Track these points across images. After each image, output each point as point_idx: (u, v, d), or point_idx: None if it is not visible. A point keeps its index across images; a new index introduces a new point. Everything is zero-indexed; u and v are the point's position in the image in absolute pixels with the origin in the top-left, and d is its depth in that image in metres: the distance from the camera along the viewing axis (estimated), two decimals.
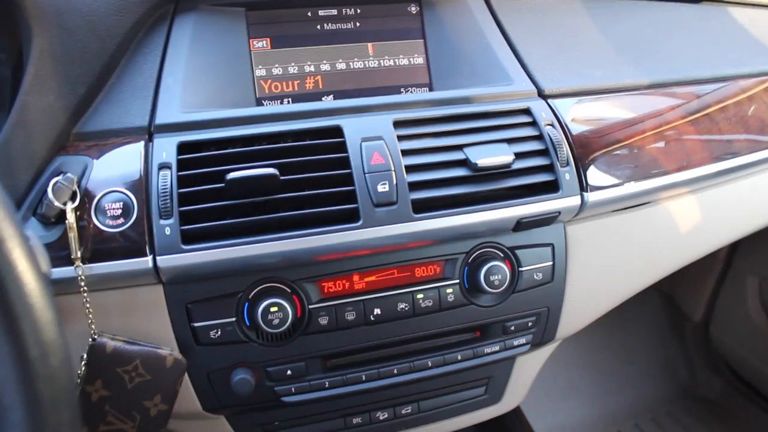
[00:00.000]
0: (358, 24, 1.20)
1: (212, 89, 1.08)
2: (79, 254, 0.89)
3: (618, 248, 1.22)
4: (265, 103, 1.14)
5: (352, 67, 1.19)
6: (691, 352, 2.19)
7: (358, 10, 1.20)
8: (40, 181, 0.92)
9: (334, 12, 1.19)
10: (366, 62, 1.19)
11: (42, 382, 0.51)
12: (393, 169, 0.98)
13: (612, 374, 2.15)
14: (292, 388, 1.06)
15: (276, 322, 0.97)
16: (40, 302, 0.52)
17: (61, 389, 0.52)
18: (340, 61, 1.18)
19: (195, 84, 1.06)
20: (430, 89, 1.22)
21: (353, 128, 1.01)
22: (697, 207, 1.29)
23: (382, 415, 1.22)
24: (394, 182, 0.98)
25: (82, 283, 0.90)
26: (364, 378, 1.09)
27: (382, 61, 1.20)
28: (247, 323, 1.00)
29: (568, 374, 2.12)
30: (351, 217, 0.97)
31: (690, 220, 1.29)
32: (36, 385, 0.51)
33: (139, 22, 1.05)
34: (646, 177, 1.15)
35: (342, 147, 0.99)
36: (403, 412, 1.23)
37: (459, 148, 1.04)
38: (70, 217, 0.89)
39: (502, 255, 1.10)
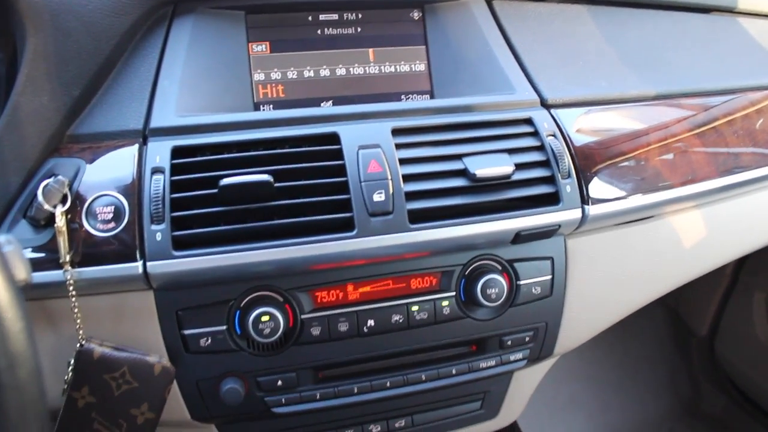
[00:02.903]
0: (359, 29, 1.18)
1: (209, 93, 1.07)
2: (68, 258, 0.87)
3: (620, 263, 1.20)
4: (263, 108, 1.13)
5: (352, 72, 1.17)
6: (695, 368, 2.17)
7: (360, 15, 1.18)
8: (32, 184, 0.91)
9: (335, 17, 1.17)
10: (366, 68, 1.18)
11: (8, 393, 0.49)
12: (390, 177, 0.96)
13: (614, 389, 2.13)
14: (283, 399, 1.04)
15: (267, 331, 0.95)
16: (8, 312, 0.50)
17: (30, 401, 0.50)
18: (340, 66, 1.17)
19: (192, 87, 1.05)
20: (432, 97, 1.20)
21: (350, 135, 1.00)
22: (703, 222, 1.27)
23: (375, 428, 1.20)
24: (391, 191, 0.96)
25: (71, 288, 0.88)
26: (356, 390, 1.07)
27: (382, 67, 1.18)
28: (238, 332, 0.98)
29: (568, 388, 2.09)
30: (346, 226, 0.95)
31: (695, 235, 1.27)
32: (2, 396, 0.49)
33: (137, 24, 1.03)
34: (650, 190, 1.13)
35: (338, 154, 0.98)
36: (397, 425, 1.21)
37: (458, 157, 1.02)
38: (60, 221, 0.87)
39: (500, 268, 1.08)
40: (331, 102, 1.15)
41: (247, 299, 0.98)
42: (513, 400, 1.30)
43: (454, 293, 1.06)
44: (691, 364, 2.17)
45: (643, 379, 2.16)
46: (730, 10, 1.46)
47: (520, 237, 1.04)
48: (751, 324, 1.89)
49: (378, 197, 0.95)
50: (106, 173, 0.94)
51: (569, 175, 1.06)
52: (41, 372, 0.55)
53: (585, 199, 1.07)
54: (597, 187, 1.09)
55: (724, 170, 1.21)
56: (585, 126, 1.13)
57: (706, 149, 1.21)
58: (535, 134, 1.08)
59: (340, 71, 1.17)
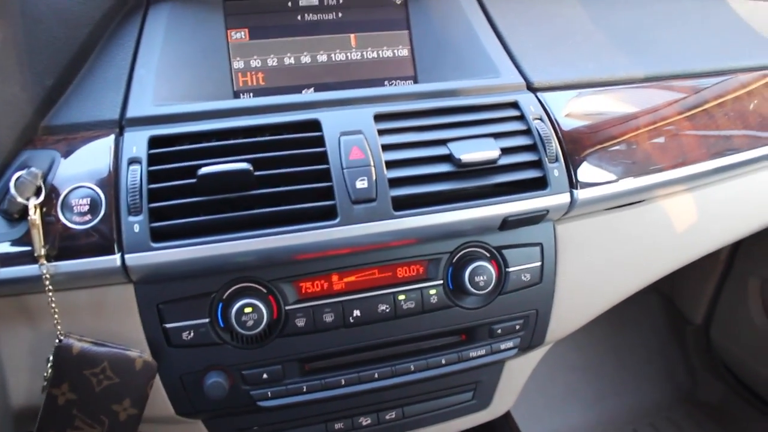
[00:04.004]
0: (340, 15, 1.16)
1: (187, 82, 1.05)
2: (43, 252, 0.85)
3: (610, 248, 1.19)
4: (242, 96, 1.11)
5: (333, 59, 1.15)
6: (691, 356, 2.15)
7: (341, 1, 1.16)
8: (5, 176, 0.89)
9: (316, 2, 1.15)
10: (348, 54, 1.15)
11: None
12: (372, 164, 0.95)
13: (609, 378, 2.12)
14: (269, 393, 1.02)
15: (250, 323, 0.93)
16: None
17: None
18: (322, 53, 1.15)
19: (169, 76, 1.03)
20: (415, 82, 1.18)
21: (332, 122, 0.98)
22: (694, 206, 1.25)
23: (365, 421, 1.18)
24: (374, 178, 0.94)
25: (47, 282, 0.86)
26: (343, 382, 1.05)
27: (365, 53, 1.16)
28: (221, 324, 0.96)
29: (562, 377, 2.08)
30: (328, 215, 0.93)
31: (686, 219, 1.25)
32: None
33: (111, 11, 1.02)
34: (640, 174, 1.11)
35: (320, 141, 0.96)
36: (387, 417, 1.19)
37: (443, 142, 1.00)
38: (33, 213, 0.85)
39: (488, 255, 1.07)
40: (312, 89, 1.13)
41: (229, 291, 0.96)
42: (505, 389, 1.28)
43: (441, 281, 1.04)
44: (687, 351, 2.16)
45: (639, 368, 2.15)
46: None
47: (507, 223, 1.02)
48: (747, 310, 1.88)
49: (361, 184, 0.93)
50: (82, 165, 0.92)
51: (557, 159, 1.04)
52: (2, 372, 0.53)
53: (573, 184, 1.05)
54: (586, 171, 1.07)
55: (716, 152, 1.19)
56: (573, 109, 1.11)
57: (697, 131, 1.19)
58: (521, 118, 1.06)
59: (322, 58, 1.15)
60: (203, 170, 0.88)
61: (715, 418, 2.04)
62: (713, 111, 1.21)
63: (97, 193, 0.89)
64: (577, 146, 1.07)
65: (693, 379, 2.16)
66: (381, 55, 1.17)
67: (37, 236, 0.85)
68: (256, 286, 0.97)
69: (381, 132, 0.98)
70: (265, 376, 1.01)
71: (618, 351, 2.16)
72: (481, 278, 1.02)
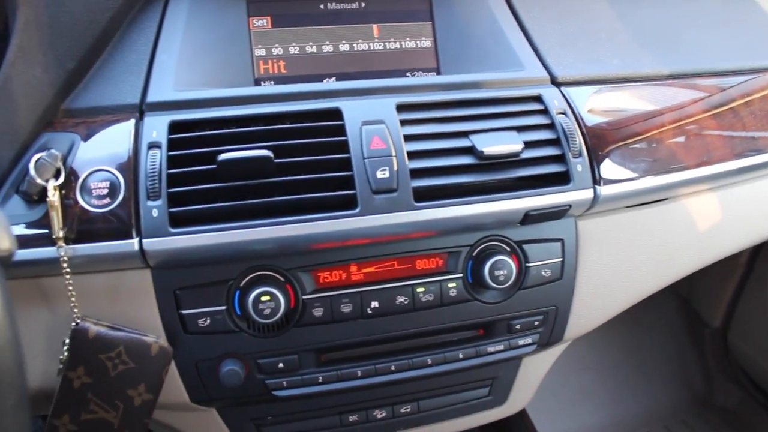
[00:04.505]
0: (363, 4, 1.15)
1: (208, 68, 1.05)
2: (61, 234, 0.85)
3: (632, 246, 1.17)
4: (263, 84, 1.10)
5: (355, 49, 1.14)
6: (708, 360, 2.13)
7: None
8: (25, 158, 0.89)
9: None
10: (371, 44, 1.14)
11: None
12: (394, 154, 0.94)
13: (625, 379, 2.09)
14: (284, 382, 1.01)
15: (268, 312, 0.93)
16: None
17: (4, 371, 0.47)
18: (344, 42, 1.14)
19: (190, 62, 1.02)
20: (438, 74, 1.17)
21: (353, 111, 0.97)
22: (718, 205, 1.24)
23: (379, 414, 1.17)
24: (395, 168, 0.93)
25: (65, 265, 0.86)
26: (359, 374, 1.04)
27: (387, 43, 1.15)
28: (238, 312, 0.96)
29: (578, 377, 2.06)
30: (348, 204, 0.92)
31: (709, 218, 1.23)
32: None
33: None
34: (664, 172, 1.10)
35: (341, 130, 0.95)
36: (402, 411, 1.18)
37: (465, 135, 0.99)
38: (52, 195, 0.85)
39: (508, 249, 1.06)
40: (333, 78, 1.12)
41: (247, 279, 0.96)
42: (522, 386, 1.27)
43: (461, 275, 1.03)
44: (704, 355, 2.13)
45: (654, 371, 2.13)
46: None
47: (529, 217, 1.01)
48: (766, 315, 1.85)
49: (382, 174, 0.93)
50: (102, 148, 0.91)
51: (580, 154, 1.03)
52: (19, 343, 0.52)
53: (596, 179, 1.04)
54: (609, 167, 1.06)
55: (741, 152, 1.18)
56: (597, 104, 1.10)
57: (722, 131, 1.18)
58: (545, 112, 1.05)
59: (344, 47, 1.14)
60: (223, 156, 0.88)
61: (731, 423, 2.02)
62: (739, 110, 1.20)
63: (116, 176, 0.89)
64: (600, 142, 1.06)
65: (709, 383, 2.13)
66: (403, 46, 1.16)
67: (56, 218, 0.85)
68: (274, 274, 0.96)
69: (403, 122, 0.98)
70: (280, 365, 1.00)
71: (633, 353, 2.14)
72: (502, 272, 1.01)
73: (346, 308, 0.99)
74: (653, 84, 1.17)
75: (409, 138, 0.97)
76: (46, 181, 0.85)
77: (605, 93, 1.13)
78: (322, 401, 1.12)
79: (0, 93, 0.87)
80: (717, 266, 1.35)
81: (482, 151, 0.96)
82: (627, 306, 1.23)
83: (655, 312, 2.14)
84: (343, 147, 0.94)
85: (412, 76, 1.15)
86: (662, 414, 2.06)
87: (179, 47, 1.02)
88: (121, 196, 0.88)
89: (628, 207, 1.14)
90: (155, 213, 0.87)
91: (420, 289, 1.02)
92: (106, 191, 0.88)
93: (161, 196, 0.88)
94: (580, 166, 1.02)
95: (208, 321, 0.95)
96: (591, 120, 1.07)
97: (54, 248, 0.85)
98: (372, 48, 1.15)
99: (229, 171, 0.89)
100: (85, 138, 0.91)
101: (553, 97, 1.07)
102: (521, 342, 1.11)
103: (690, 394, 2.13)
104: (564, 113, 1.05)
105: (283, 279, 0.97)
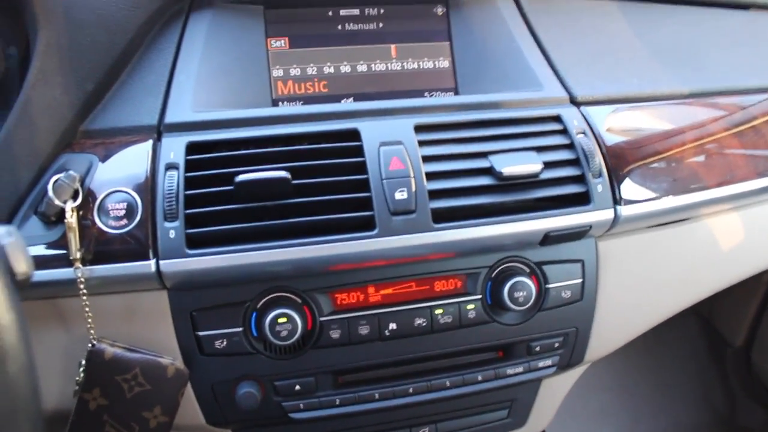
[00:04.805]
0: (380, 25, 1.15)
1: (226, 89, 1.05)
2: (78, 255, 0.85)
3: (653, 267, 1.15)
4: (281, 105, 1.10)
5: (373, 69, 1.14)
6: (730, 379, 2.09)
7: (381, 11, 1.15)
8: (43, 179, 0.89)
9: (356, 12, 1.14)
10: (388, 65, 1.14)
11: None
12: (413, 175, 0.93)
13: (645, 400, 2.07)
14: (301, 405, 1.00)
15: (285, 333, 0.92)
16: None
17: (20, 398, 0.47)
18: (362, 62, 1.13)
19: (208, 83, 1.02)
20: (456, 94, 1.16)
21: (372, 132, 0.96)
22: (740, 225, 1.22)
23: None
24: (413, 189, 0.92)
25: (82, 286, 0.86)
26: (377, 396, 1.03)
27: (405, 63, 1.15)
28: (255, 334, 0.95)
29: (597, 398, 2.03)
30: (366, 225, 0.92)
31: (732, 239, 1.21)
32: None
33: (153, 18, 1.01)
34: (685, 191, 1.08)
35: (359, 151, 0.95)
36: None
37: (484, 155, 0.98)
38: (70, 216, 0.85)
39: (528, 270, 1.04)
40: (351, 99, 1.12)
41: (263, 300, 0.95)
42: (541, 408, 1.25)
43: (480, 296, 1.02)
44: (726, 375, 2.10)
45: (675, 391, 2.10)
46: None
47: (549, 238, 1.00)
48: None
49: (400, 195, 0.92)
50: (119, 169, 0.91)
51: (600, 175, 1.01)
52: (34, 369, 0.52)
53: (617, 200, 1.02)
54: (629, 188, 1.04)
55: (764, 171, 1.16)
56: (616, 124, 1.09)
57: (745, 149, 1.16)
58: (565, 132, 1.04)
59: (362, 68, 1.13)
60: (241, 177, 0.87)
61: None
62: (761, 128, 1.18)
63: (133, 197, 0.89)
64: (621, 161, 1.05)
65: (732, 403, 2.10)
66: (421, 66, 1.16)
67: (74, 239, 0.85)
68: (291, 296, 0.96)
69: (421, 143, 0.97)
70: (297, 387, 0.99)
71: (654, 372, 2.11)
72: (521, 294, 1.00)
73: (364, 330, 0.98)
74: (673, 103, 1.16)
75: (427, 159, 0.96)
76: (64, 202, 0.86)
77: (625, 112, 1.11)
78: (339, 423, 1.10)
79: (20, 115, 0.87)
80: (739, 285, 1.33)
81: (501, 172, 0.95)
82: (649, 327, 1.21)
83: (676, 331, 2.11)
84: (361, 168, 0.93)
85: (430, 96, 1.15)
86: None
87: (197, 68, 1.02)
88: (138, 217, 0.88)
89: (649, 227, 1.12)
90: (172, 234, 0.87)
91: (438, 311, 1.01)
92: (123, 212, 0.88)
93: (178, 218, 0.87)
94: (600, 187, 1.01)
95: (225, 342, 0.94)
96: (611, 140, 1.06)
97: (71, 269, 0.85)
98: (390, 68, 1.14)
99: (247, 192, 0.88)
100: (103, 159, 0.91)
101: (572, 117, 1.06)
102: (541, 364, 1.10)
103: (712, 415, 2.10)
104: (583, 133, 1.04)
105: (300, 300, 0.96)
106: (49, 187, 0.85)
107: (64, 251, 0.85)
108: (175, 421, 0.94)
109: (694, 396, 2.11)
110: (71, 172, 0.87)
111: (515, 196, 0.98)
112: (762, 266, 1.31)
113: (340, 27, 1.13)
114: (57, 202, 0.85)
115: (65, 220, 0.85)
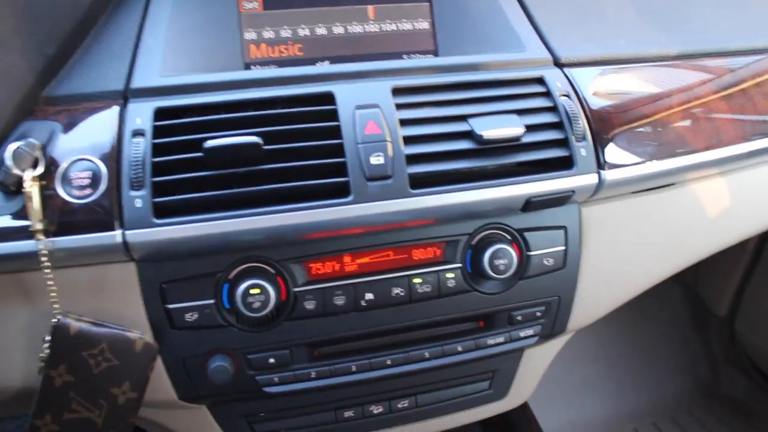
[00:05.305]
0: None
1: (197, 52, 1.01)
2: (39, 226, 0.81)
3: (638, 233, 1.13)
4: (253, 68, 1.05)
5: (350, 31, 1.09)
6: (714, 349, 2.10)
7: None
8: (3, 148, 0.85)
9: None
10: (366, 26, 1.10)
11: None
12: (389, 139, 0.90)
13: (629, 370, 2.07)
14: (275, 378, 0.98)
15: (257, 305, 0.89)
16: None
17: None
18: (338, 24, 1.09)
19: (178, 46, 0.98)
20: (435, 56, 1.12)
21: (347, 95, 0.93)
22: (726, 191, 1.20)
23: (376, 409, 1.14)
24: (390, 154, 0.89)
25: (44, 259, 0.82)
26: (354, 369, 1.01)
27: (383, 25, 1.11)
28: (227, 306, 0.92)
29: (581, 369, 2.04)
30: (341, 192, 0.89)
31: (718, 204, 1.20)
32: None
33: None
34: (671, 156, 1.06)
35: (333, 115, 0.91)
36: (399, 406, 1.15)
37: (463, 118, 0.95)
38: (28, 186, 0.81)
39: (509, 238, 1.02)
40: (327, 62, 1.08)
41: (235, 271, 0.92)
42: (523, 379, 1.24)
43: (459, 265, 1.00)
44: (710, 344, 2.10)
45: (660, 361, 2.10)
46: None
47: (530, 204, 0.97)
48: None
49: (376, 160, 0.89)
50: (83, 137, 0.88)
51: (584, 138, 0.99)
52: None
53: (601, 164, 1.00)
54: (614, 152, 1.02)
55: (751, 135, 1.14)
56: (601, 86, 1.06)
57: (732, 113, 1.14)
58: (547, 94, 1.01)
59: (338, 30, 1.09)
60: (210, 143, 0.84)
61: (737, 413, 1.99)
62: (750, 91, 1.16)
63: (98, 166, 0.85)
64: (605, 125, 1.02)
65: (715, 372, 2.10)
66: (400, 28, 1.11)
67: (33, 210, 0.81)
68: (264, 266, 0.93)
69: (399, 106, 0.94)
70: (271, 360, 0.97)
71: (638, 343, 2.11)
72: (502, 262, 0.98)
73: (339, 300, 0.96)
74: (660, 65, 1.13)
75: (405, 122, 0.93)
76: (23, 171, 0.82)
77: (610, 74, 1.09)
78: (316, 397, 1.09)
79: None
80: (723, 254, 1.32)
81: (481, 135, 0.92)
82: (632, 296, 1.20)
83: (659, 301, 2.12)
84: (336, 132, 0.90)
85: (409, 58, 1.11)
86: (668, 404, 2.04)
87: (166, 31, 0.98)
88: (103, 187, 0.84)
89: (633, 193, 1.10)
90: (139, 203, 0.84)
91: (417, 280, 0.98)
92: (87, 181, 0.84)
93: (145, 186, 0.84)
94: (583, 151, 0.98)
95: (196, 315, 0.92)
96: (595, 102, 1.03)
97: (32, 241, 0.81)
98: (367, 30, 1.10)
99: (217, 159, 0.85)
100: (66, 126, 0.88)
101: (555, 79, 1.03)
102: (522, 334, 1.08)
103: (696, 384, 2.11)
104: (567, 96, 1.02)
105: (273, 271, 0.93)
106: (7, 155, 0.81)
107: (26, 222, 0.82)
108: (147, 397, 0.91)
109: (677, 365, 2.12)
110: (31, 139, 0.83)
111: (496, 160, 0.95)
112: (748, 233, 1.29)
113: None
114: (15, 170, 0.81)
115: (24, 190, 0.81)
